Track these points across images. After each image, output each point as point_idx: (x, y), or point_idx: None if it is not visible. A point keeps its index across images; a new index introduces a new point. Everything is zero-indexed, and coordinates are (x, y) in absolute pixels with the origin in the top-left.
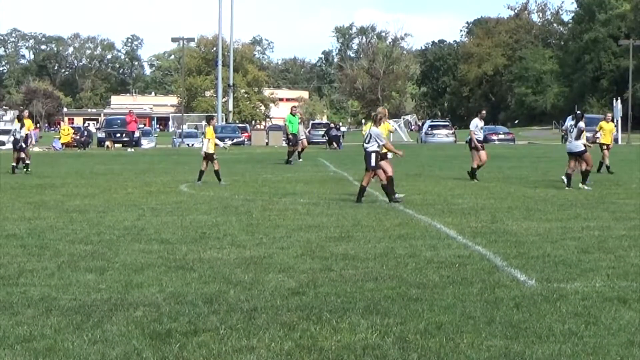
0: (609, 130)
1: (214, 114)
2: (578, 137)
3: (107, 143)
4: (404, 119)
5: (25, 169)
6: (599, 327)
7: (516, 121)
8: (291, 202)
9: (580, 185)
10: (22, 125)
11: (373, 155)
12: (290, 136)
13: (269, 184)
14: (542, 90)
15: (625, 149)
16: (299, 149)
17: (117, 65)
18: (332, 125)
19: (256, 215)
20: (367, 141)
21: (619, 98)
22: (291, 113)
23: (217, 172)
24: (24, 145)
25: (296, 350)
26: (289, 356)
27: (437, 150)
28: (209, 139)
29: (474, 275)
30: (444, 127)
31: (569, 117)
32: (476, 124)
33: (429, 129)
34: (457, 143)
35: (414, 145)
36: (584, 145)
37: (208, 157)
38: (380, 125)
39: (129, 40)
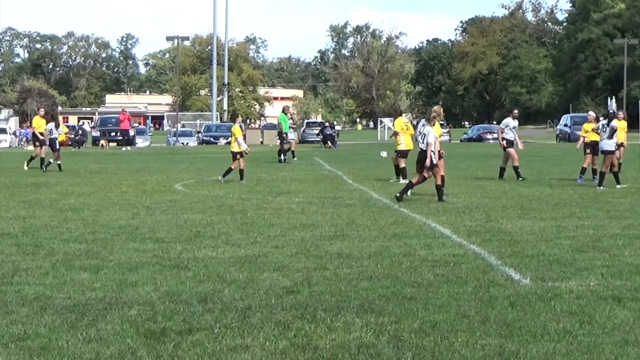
0: (622, 129)
1: (238, 114)
2: (611, 137)
3: (102, 142)
4: None
5: (44, 167)
6: (594, 326)
7: None
8: (286, 201)
9: (618, 185)
10: (58, 125)
11: (433, 154)
12: (284, 135)
13: (263, 183)
14: (536, 89)
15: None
16: (292, 149)
17: (112, 64)
18: (326, 124)
19: (251, 214)
20: (422, 140)
21: (613, 97)
22: (283, 112)
23: (241, 171)
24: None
25: (291, 349)
26: (284, 355)
27: None
28: (237, 137)
29: (469, 274)
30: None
31: (600, 117)
32: (507, 123)
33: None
34: (452, 142)
35: None
36: (616, 144)
37: (235, 156)
38: (433, 125)
39: (124, 38)
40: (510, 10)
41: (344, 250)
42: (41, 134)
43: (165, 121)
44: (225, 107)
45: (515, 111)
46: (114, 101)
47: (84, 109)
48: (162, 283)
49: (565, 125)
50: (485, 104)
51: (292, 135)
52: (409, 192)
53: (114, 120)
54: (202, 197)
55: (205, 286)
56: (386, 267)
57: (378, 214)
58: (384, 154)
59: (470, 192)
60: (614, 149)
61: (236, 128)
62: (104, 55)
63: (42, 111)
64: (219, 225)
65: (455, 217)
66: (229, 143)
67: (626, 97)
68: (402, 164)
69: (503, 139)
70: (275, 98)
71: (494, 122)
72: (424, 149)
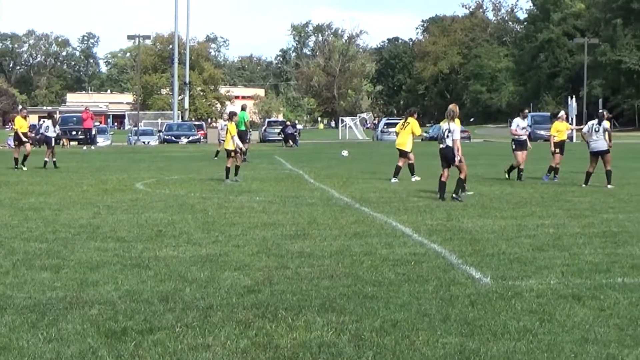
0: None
1: (234, 111)
2: (605, 137)
3: (63, 141)
4: (359, 116)
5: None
6: (554, 325)
7: (472, 119)
8: (247, 200)
9: (609, 186)
10: (55, 123)
11: (457, 150)
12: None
13: (224, 182)
14: (497, 88)
15: (580, 147)
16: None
17: (73, 63)
18: (288, 123)
19: (212, 213)
20: (446, 136)
21: (573, 96)
22: (242, 110)
23: (237, 168)
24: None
25: (252, 348)
26: (245, 354)
27: (393, 148)
28: (233, 136)
29: (430, 273)
30: None
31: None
32: (517, 123)
33: (385, 126)
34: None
35: (370, 143)
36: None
37: (229, 153)
38: (452, 121)
39: (85, 37)
40: (470, 9)
41: (305, 249)
42: (24, 134)
43: (126, 120)
44: (186, 106)
45: (526, 110)
46: (75, 100)
47: (44, 107)
48: (123, 282)
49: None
50: (446, 103)
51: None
52: (466, 188)
53: (75, 119)
54: (163, 196)
55: (166, 285)
56: (347, 266)
57: (339, 213)
58: (345, 153)
59: (431, 190)
60: (607, 149)
61: (231, 126)
62: (64, 53)
63: (24, 111)
64: (180, 225)
65: (416, 216)
66: (191, 142)
67: (587, 96)
68: (402, 163)
69: (518, 141)
70: (237, 97)
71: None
72: (450, 145)
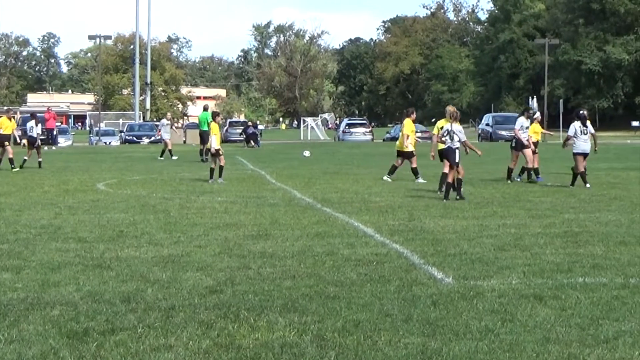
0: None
1: (217, 111)
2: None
3: (23, 141)
4: (321, 117)
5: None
6: (515, 324)
7: (433, 119)
8: (209, 201)
9: (588, 185)
10: (38, 123)
11: (457, 152)
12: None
13: (186, 183)
14: (458, 89)
15: (541, 147)
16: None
17: (34, 63)
18: (249, 123)
19: (174, 213)
20: (450, 138)
21: (534, 97)
22: (204, 110)
23: (221, 168)
24: (39, 143)
25: (214, 348)
26: (207, 354)
27: (354, 149)
28: (215, 135)
29: (392, 273)
30: (362, 125)
31: (575, 120)
32: (521, 123)
33: (347, 127)
34: (375, 141)
35: (332, 144)
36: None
37: (215, 154)
38: (455, 123)
39: (45, 37)
40: (431, 10)
41: (267, 250)
42: (6, 135)
43: (87, 120)
44: (147, 106)
45: (531, 110)
46: (36, 100)
47: (5, 108)
48: (85, 283)
49: (487, 124)
50: (407, 104)
51: (167, 135)
52: (461, 190)
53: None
54: (124, 197)
55: (128, 286)
56: (309, 266)
57: (301, 213)
58: (307, 153)
59: (393, 191)
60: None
61: (214, 125)
62: (25, 53)
63: (11, 112)
64: (141, 225)
65: (378, 216)
66: (152, 142)
67: (548, 97)
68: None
69: (525, 140)
70: (198, 97)
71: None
72: (452, 147)
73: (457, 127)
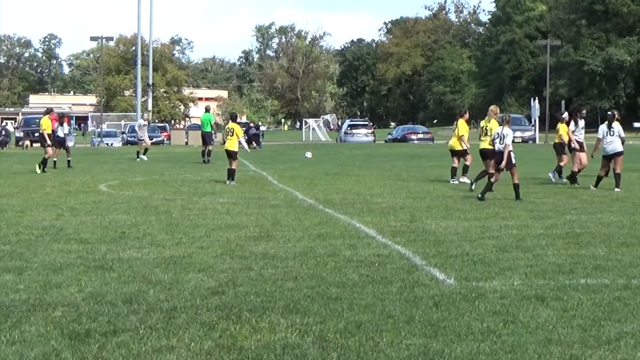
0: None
1: (236, 113)
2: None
3: (26, 142)
4: (323, 118)
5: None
6: (517, 326)
7: (435, 120)
8: (210, 202)
9: (617, 189)
10: (63, 123)
11: (512, 154)
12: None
13: (188, 184)
14: (460, 90)
15: (542, 148)
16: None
17: (35, 64)
18: (251, 124)
19: (175, 214)
20: (499, 141)
21: (536, 98)
22: (206, 111)
23: (232, 171)
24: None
25: (216, 349)
26: (209, 356)
27: (356, 150)
28: (239, 138)
29: (393, 274)
30: (363, 126)
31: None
32: (571, 127)
33: (348, 128)
34: (377, 142)
35: (334, 145)
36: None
37: (234, 155)
38: (506, 125)
39: (47, 39)
40: (433, 11)
41: (269, 251)
42: (49, 135)
43: (89, 122)
44: (149, 107)
45: (584, 110)
46: (38, 101)
47: (7, 109)
48: (87, 284)
49: None
50: (409, 105)
51: (145, 136)
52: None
53: (37, 120)
54: (126, 198)
55: (130, 287)
56: (311, 268)
57: (303, 215)
58: (308, 154)
59: (395, 192)
60: (621, 149)
61: (237, 127)
62: (27, 55)
63: (53, 113)
64: (143, 226)
65: (380, 217)
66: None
67: (551, 97)
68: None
69: (578, 142)
70: (200, 99)
71: (418, 122)
72: (501, 149)
73: (507, 130)
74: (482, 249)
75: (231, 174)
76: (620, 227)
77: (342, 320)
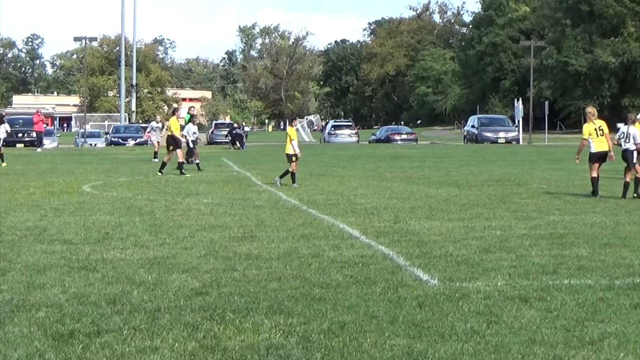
0: None
1: (295, 115)
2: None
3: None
4: (307, 119)
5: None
6: (501, 326)
7: (418, 121)
8: (194, 202)
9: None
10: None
11: (635, 153)
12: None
13: (172, 184)
14: (443, 91)
15: (526, 149)
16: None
17: (19, 65)
18: (235, 125)
19: (159, 215)
20: (627, 140)
21: (520, 99)
22: (188, 113)
23: (287, 173)
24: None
25: (200, 350)
26: (193, 356)
27: (340, 150)
28: (292, 140)
29: (377, 275)
30: (347, 127)
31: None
32: (622, 130)
33: (332, 129)
34: (360, 143)
35: (317, 145)
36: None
37: (289, 158)
38: (634, 124)
39: (30, 39)
40: (417, 12)
41: (252, 252)
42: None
43: (73, 122)
44: (133, 108)
45: (638, 115)
46: (21, 102)
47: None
48: (70, 285)
49: (473, 126)
50: (393, 105)
51: (155, 139)
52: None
53: (21, 121)
54: (110, 199)
55: (113, 288)
56: (295, 268)
57: (287, 215)
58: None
59: (379, 193)
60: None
61: (291, 130)
62: (10, 55)
63: (178, 112)
64: (127, 227)
65: (364, 218)
66: (138, 144)
67: (535, 98)
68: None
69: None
70: (184, 99)
71: (402, 123)
72: (630, 149)
73: (633, 130)
74: (466, 250)
75: (291, 175)
76: (603, 228)
77: (326, 320)
